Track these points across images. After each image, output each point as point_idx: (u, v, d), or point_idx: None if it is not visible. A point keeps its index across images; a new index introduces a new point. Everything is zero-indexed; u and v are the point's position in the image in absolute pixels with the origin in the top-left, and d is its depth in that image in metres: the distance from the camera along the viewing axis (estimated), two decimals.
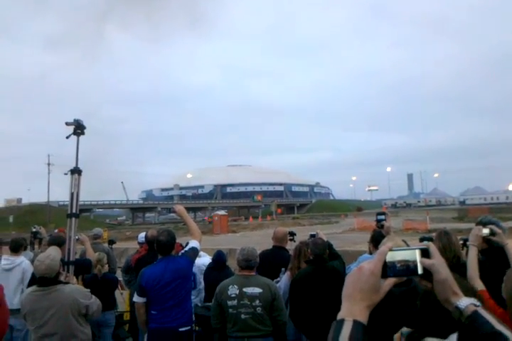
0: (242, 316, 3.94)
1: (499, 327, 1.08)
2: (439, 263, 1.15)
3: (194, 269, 5.04)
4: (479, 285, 2.67)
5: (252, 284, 4.00)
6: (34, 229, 7.05)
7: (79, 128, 4.33)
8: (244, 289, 3.98)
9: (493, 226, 3.10)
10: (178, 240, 5.01)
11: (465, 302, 1.14)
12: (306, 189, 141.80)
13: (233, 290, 4.00)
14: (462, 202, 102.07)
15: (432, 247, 1.17)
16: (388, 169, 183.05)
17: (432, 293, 1.72)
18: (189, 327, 4.11)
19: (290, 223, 44.99)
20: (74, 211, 4.29)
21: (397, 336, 2.14)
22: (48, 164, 69.44)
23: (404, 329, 2.10)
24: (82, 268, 5.11)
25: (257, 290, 3.97)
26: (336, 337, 1.01)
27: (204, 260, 6.04)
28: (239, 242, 19.09)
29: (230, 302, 3.99)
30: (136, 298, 4.14)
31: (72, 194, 4.31)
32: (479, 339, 1.09)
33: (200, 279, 5.77)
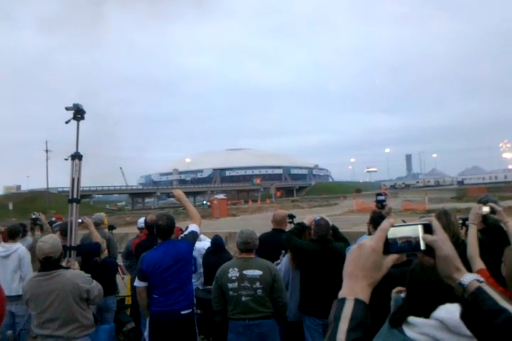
0: (243, 298, 3.96)
1: (503, 303, 1.05)
2: (441, 238, 1.10)
3: (194, 253, 5.05)
4: (479, 264, 2.67)
5: (252, 266, 4.01)
6: (33, 216, 7.04)
7: (79, 113, 4.29)
8: (245, 271, 3.99)
9: (493, 204, 3.09)
10: (179, 225, 5.01)
11: (468, 278, 1.10)
12: (304, 171, 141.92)
13: (233, 273, 4.01)
14: (460, 182, 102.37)
15: (435, 222, 1.12)
16: (387, 150, 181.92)
17: (419, 271, 1.72)
18: (190, 310, 4.14)
19: (289, 206, 45.12)
20: (75, 196, 4.28)
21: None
22: (46, 151, 69.09)
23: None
24: (91, 251, 5.08)
25: (258, 272, 3.98)
26: (338, 316, 0.98)
27: (204, 244, 6.04)
28: (239, 226, 19.13)
29: (230, 285, 4.01)
30: (137, 283, 4.15)
31: (73, 179, 4.29)
32: (483, 315, 1.06)
33: (201, 263, 5.79)
